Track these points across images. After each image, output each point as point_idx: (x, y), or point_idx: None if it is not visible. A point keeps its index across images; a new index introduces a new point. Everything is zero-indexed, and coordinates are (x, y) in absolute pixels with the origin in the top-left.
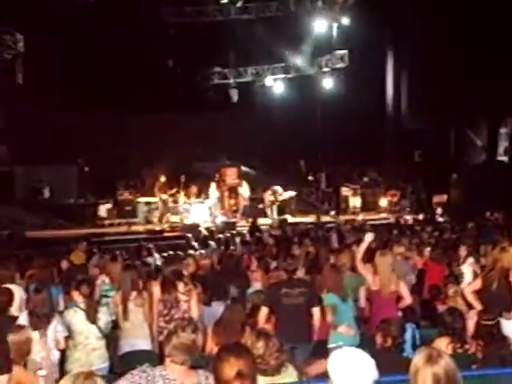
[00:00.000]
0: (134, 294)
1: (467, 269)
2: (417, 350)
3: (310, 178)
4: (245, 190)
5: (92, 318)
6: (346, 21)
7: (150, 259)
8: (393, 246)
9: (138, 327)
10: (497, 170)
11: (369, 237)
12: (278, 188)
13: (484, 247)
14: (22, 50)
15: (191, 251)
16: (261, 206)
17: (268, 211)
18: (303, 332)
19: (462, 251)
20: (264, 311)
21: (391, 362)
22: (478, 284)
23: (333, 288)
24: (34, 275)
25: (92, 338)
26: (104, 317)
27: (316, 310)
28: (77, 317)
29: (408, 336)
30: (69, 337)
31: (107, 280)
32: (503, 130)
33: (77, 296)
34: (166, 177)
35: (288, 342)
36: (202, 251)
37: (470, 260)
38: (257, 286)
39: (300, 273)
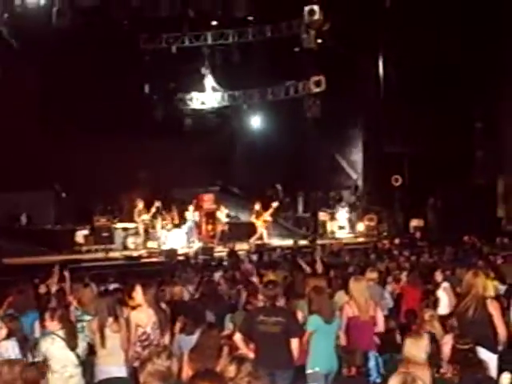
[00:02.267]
0: (110, 320)
1: (442, 294)
2: (382, 375)
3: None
4: (222, 215)
5: (73, 344)
6: (322, 45)
7: (114, 285)
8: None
9: (114, 354)
10: (474, 193)
11: None
12: (256, 207)
13: (459, 271)
14: None
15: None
16: (254, 238)
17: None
18: (282, 358)
19: (438, 276)
20: (237, 337)
21: None
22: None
23: (317, 310)
24: (11, 302)
25: (70, 366)
26: (81, 343)
27: (294, 342)
28: (55, 344)
29: (372, 364)
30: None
31: (77, 305)
32: (478, 154)
33: (53, 324)
34: (144, 202)
35: (266, 368)
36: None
37: (445, 285)
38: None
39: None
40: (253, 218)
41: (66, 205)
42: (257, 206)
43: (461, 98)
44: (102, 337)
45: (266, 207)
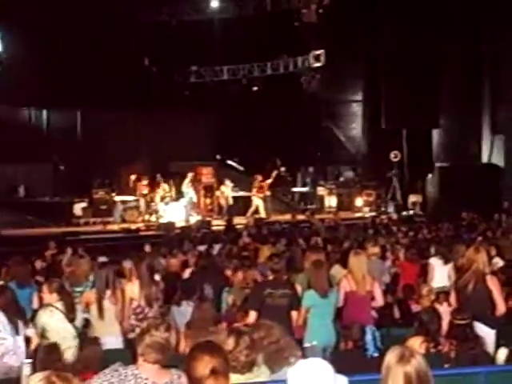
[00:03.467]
0: (108, 292)
1: (431, 268)
2: (379, 349)
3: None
4: (228, 190)
5: (71, 317)
6: (322, 20)
7: (102, 258)
8: (367, 246)
9: (111, 325)
10: (473, 170)
11: None
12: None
13: (457, 247)
14: None
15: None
16: (250, 212)
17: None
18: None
19: (432, 251)
20: (252, 316)
21: (354, 363)
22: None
23: (313, 284)
24: (11, 273)
25: (68, 338)
26: (79, 315)
27: (294, 314)
28: (53, 317)
29: (368, 338)
30: (43, 337)
31: (68, 276)
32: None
33: (52, 296)
34: (140, 175)
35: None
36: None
37: (430, 260)
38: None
39: None
40: (254, 191)
41: (64, 177)
42: (258, 178)
43: (464, 70)
44: (100, 308)
45: (265, 180)
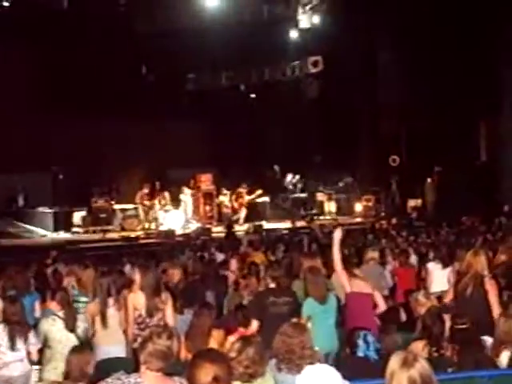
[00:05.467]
0: (111, 300)
1: (429, 273)
2: (378, 353)
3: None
4: (226, 198)
5: (71, 326)
6: (319, 25)
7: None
8: (367, 251)
9: (114, 334)
10: (472, 174)
11: (338, 233)
12: (242, 189)
13: (459, 252)
14: None
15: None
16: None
17: (239, 217)
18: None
19: (431, 256)
20: (255, 324)
21: (356, 368)
22: (450, 294)
23: (311, 291)
24: (9, 283)
25: (70, 347)
26: (82, 324)
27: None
28: (55, 326)
29: (360, 342)
30: (45, 346)
31: (75, 285)
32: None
33: (54, 305)
34: (141, 184)
35: (270, 349)
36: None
37: (429, 265)
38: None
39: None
40: (232, 198)
41: (63, 186)
42: (242, 189)
43: (460, 72)
44: (104, 317)
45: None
